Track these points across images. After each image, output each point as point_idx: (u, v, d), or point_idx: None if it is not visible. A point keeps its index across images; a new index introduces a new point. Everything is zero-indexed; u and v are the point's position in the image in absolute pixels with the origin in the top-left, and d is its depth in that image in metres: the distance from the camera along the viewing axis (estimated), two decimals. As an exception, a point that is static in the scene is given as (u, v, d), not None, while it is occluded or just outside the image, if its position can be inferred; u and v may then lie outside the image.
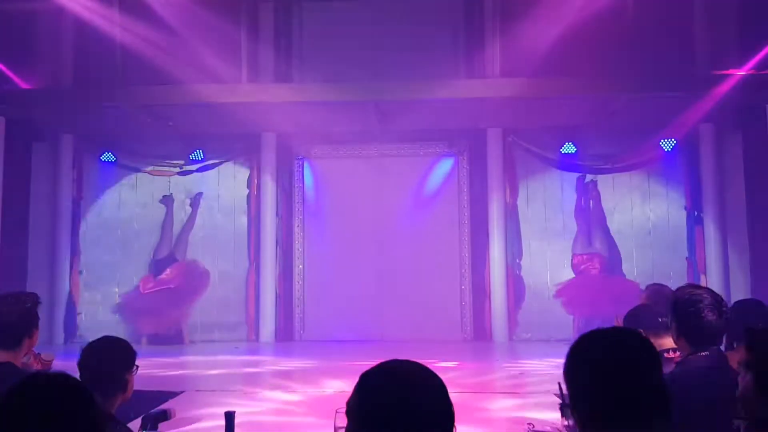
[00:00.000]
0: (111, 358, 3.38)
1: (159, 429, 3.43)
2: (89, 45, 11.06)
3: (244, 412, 6.36)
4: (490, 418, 6.34)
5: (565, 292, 11.51)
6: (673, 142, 11.68)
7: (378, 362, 1.78)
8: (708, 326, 3.30)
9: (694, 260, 11.62)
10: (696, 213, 11.69)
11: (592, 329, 2.01)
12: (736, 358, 3.52)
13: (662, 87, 10.29)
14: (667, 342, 3.66)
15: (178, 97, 10.38)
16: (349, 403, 1.73)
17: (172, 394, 7.08)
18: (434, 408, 1.71)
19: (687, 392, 3.22)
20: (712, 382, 3.24)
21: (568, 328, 11.20)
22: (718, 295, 3.38)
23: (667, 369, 3.48)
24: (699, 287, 3.48)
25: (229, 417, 3.21)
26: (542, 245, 11.74)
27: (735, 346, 3.98)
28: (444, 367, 9.08)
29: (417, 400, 1.70)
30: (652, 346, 1.97)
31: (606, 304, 10.36)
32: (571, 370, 1.94)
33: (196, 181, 12.39)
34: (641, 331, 3.93)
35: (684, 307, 3.33)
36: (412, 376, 1.76)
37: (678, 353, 3.74)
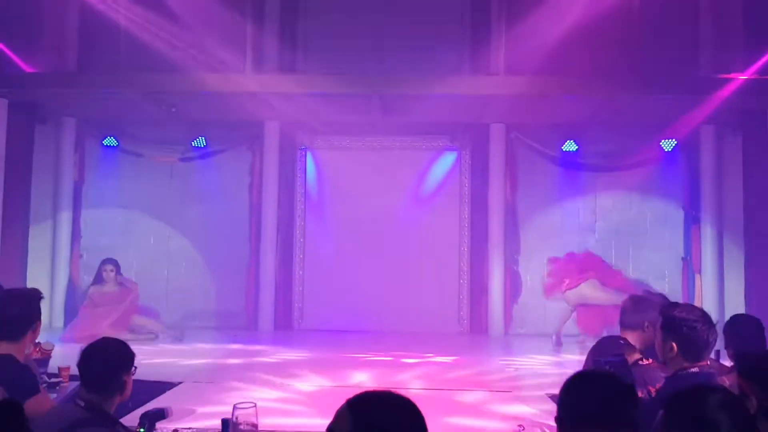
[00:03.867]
0: (109, 360, 3.46)
1: (156, 427, 3.53)
2: (93, 30, 11.06)
3: (240, 400, 6.45)
4: (481, 414, 6.42)
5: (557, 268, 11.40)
6: (673, 142, 11.73)
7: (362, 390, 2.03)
8: (704, 340, 3.41)
9: (690, 260, 11.70)
10: (693, 213, 11.74)
11: (582, 372, 2.59)
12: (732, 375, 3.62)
13: (665, 89, 10.31)
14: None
15: (181, 85, 10.38)
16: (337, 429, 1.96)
17: (170, 385, 7.15)
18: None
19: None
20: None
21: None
22: (707, 313, 3.52)
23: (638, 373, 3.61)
24: (690, 305, 3.62)
25: (225, 424, 3.28)
26: (540, 242, 11.81)
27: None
28: (439, 362, 9.20)
29: (407, 427, 1.96)
30: (632, 390, 2.44)
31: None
32: (563, 405, 2.39)
33: (197, 168, 12.44)
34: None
35: (678, 323, 3.44)
36: (394, 404, 2.00)
37: (651, 360, 3.90)
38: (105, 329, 9.92)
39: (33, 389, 3.96)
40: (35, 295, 4.33)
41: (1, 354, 3.98)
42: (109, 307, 10.94)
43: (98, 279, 11.25)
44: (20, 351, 4.15)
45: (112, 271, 11.24)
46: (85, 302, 11.20)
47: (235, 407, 3.09)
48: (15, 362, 4.04)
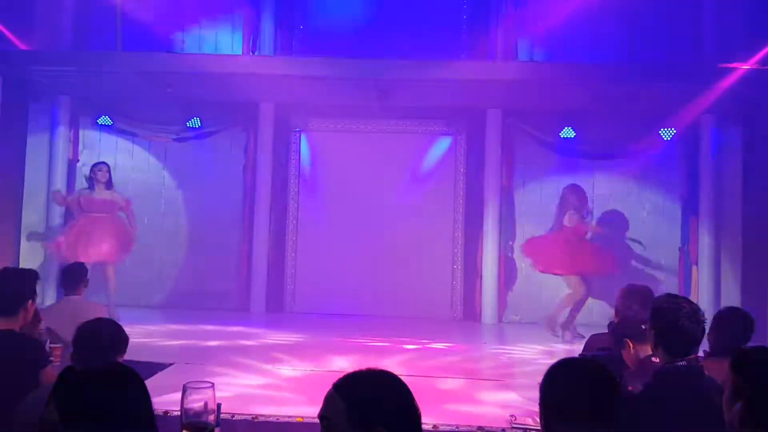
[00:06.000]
0: (104, 341, 3.53)
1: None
2: (89, 8, 10.98)
3: (232, 385, 6.43)
4: (472, 402, 6.40)
5: (531, 248, 11.08)
6: (672, 131, 11.63)
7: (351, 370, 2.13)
8: (686, 335, 3.37)
9: (687, 251, 11.64)
10: (691, 203, 11.66)
11: (565, 359, 2.65)
12: (716, 368, 3.59)
13: (666, 77, 10.23)
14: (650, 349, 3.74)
15: (177, 65, 10.32)
16: (329, 412, 2.03)
17: (161, 366, 7.12)
18: (408, 407, 2.05)
19: (663, 402, 3.28)
20: (688, 392, 3.31)
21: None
22: (695, 304, 3.48)
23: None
24: (678, 296, 3.58)
25: (216, 408, 3.26)
26: (536, 229, 11.71)
27: (718, 356, 4.05)
28: (430, 348, 9.18)
29: (395, 400, 2.04)
30: (612, 378, 2.50)
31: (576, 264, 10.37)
32: (546, 392, 2.47)
33: (192, 148, 12.36)
34: (627, 340, 4.03)
35: (663, 316, 3.41)
36: (380, 380, 2.09)
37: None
38: (90, 252, 10.02)
39: (45, 361, 4.08)
40: (30, 274, 4.44)
41: (3, 330, 4.05)
42: (96, 216, 10.64)
43: (90, 185, 10.96)
44: (16, 326, 4.21)
45: (101, 170, 10.84)
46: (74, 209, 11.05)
47: (185, 388, 2.28)
48: (21, 335, 4.12)
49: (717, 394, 3.32)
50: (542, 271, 10.92)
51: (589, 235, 10.73)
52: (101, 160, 11.60)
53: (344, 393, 2.02)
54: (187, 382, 2.32)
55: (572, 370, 2.54)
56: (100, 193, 10.83)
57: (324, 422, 2.03)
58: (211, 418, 2.33)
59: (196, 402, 2.31)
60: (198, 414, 2.30)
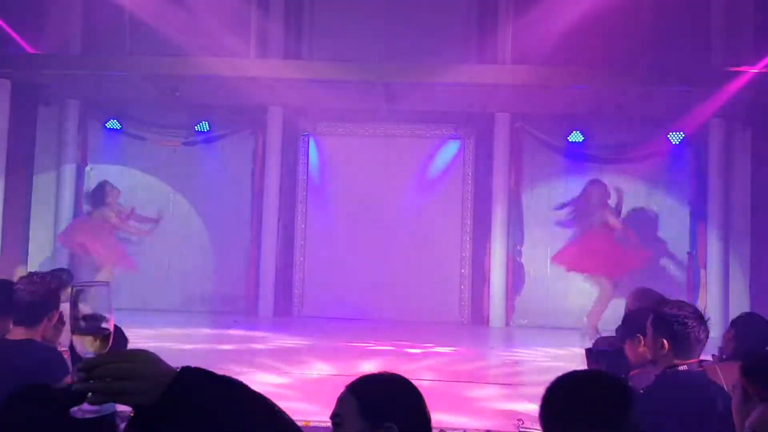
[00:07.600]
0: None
1: None
2: (98, 12, 11.02)
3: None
4: (479, 409, 6.38)
5: (564, 257, 11.15)
6: (681, 135, 11.59)
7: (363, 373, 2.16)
8: (694, 338, 3.35)
9: (695, 255, 11.59)
10: (700, 207, 11.62)
11: (567, 373, 2.17)
12: (734, 371, 3.55)
13: (674, 81, 10.21)
14: None
15: (185, 69, 10.36)
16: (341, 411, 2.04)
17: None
18: (419, 409, 2.07)
19: (665, 405, 3.27)
20: (690, 396, 3.29)
21: (564, 315, 11.19)
22: (698, 309, 3.46)
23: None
24: (682, 302, 3.56)
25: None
26: (544, 233, 11.72)
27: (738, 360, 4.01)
28: (438, 353, 9.16)
29: (407, 401, 2.06)
30: (626, 388, 2.14)
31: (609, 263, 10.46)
32: (549, 413, 2.07)
33: (200, 152, 12.39)
34: (640, 336, 3.97)
35: (669, 320, 3.38)
36: (395, 383, 2.12)
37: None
38: (98, 249, 10.91)
39: (63, 372, 3.73)
40: (57, 283, 4.14)
41: (23, 339, 3.77)
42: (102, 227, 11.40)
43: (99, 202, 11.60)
44: (36, 337, 4.00)
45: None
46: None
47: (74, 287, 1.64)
48: (41, 345, 3.82)
49: (720, 398, 3.31)
50: (579, 271, 10.94)
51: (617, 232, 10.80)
52: (109, 163, 11.78)
53: (357, 391, 2.05)
54: (75, 283, 1.80)
55: (578, 384, 2.17)
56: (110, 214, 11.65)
57: (336, 419, 2.05)
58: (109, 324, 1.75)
59: (88, 303, 1.72)
60: (92, 317, 1.70)
